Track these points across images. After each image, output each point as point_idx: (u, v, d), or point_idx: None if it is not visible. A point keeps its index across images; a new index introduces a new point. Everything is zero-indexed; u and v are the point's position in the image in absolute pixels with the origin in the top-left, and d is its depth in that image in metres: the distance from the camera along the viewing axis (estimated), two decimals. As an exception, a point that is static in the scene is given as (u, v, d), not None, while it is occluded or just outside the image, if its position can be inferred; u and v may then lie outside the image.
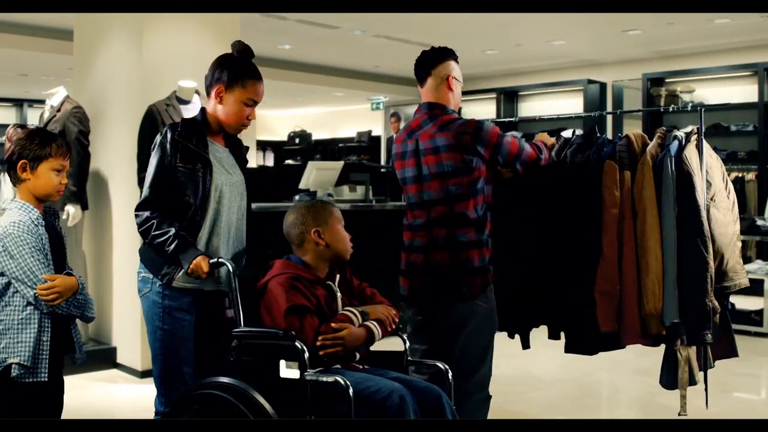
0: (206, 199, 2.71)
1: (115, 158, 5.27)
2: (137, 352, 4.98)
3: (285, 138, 16.01)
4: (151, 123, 4.76)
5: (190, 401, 2.58)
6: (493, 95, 11.32)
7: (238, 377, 2.52)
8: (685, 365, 3.46)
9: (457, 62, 3.21)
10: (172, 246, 2.62)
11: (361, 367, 2.72)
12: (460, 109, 4.02)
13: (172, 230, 2.63)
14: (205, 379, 2.60)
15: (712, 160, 3.53)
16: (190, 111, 4.70)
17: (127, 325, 5.10)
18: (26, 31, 8.56)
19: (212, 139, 2.81)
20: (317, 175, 5.96)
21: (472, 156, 3.01)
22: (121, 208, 5.22)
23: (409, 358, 2.89)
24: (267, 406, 2.38)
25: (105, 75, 5.45)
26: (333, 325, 2.60)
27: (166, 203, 2.69)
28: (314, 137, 15.79)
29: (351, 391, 2.36)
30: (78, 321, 2.72)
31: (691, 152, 3.40)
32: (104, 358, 5.19)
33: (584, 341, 3.50)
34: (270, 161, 16.04)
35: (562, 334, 3.57)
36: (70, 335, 2.69)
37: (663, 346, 3.51)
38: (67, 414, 2.73)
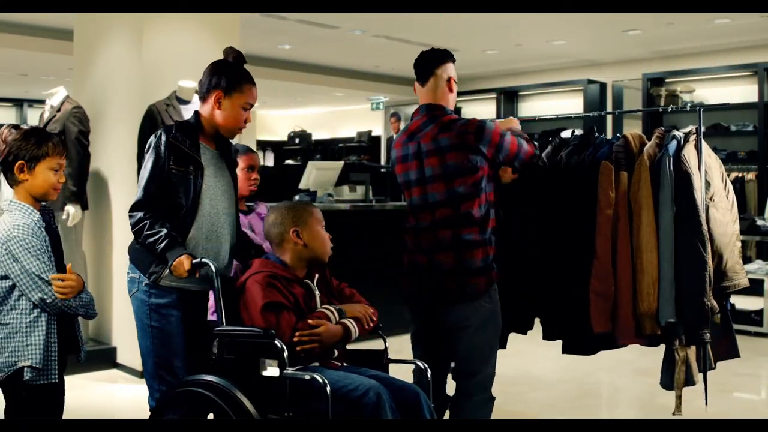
0: (197, 201, 2.78)
1: (115, 158, 5.27)
2: (137, 352, 4.93)
3: (285, 138, 16.02)
4: (151, 123, 4.76)
5: (176, 397, 2.64)
6: (493, 95, 11.32)
7: (222, 375, 2.56)
8: (683, 365, 3.46)
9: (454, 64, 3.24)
10: (162, 245, 2.68)
11: (339, 364, 2.76)
12: (459, 109, 4.02)
13: (164, 230, 2.69)
14: (191, 377, 2.67)
15: (711, 160, 3.53)
16: (190, 111, 4.65)
17: (127, 325, 5.09)
18: (26, 31, 8.56)
19: (204, 142, 2.87)
20: (317, 175, 5.97)
21: (476, 155, 3.02)
22: (121, 208, 5.22)
23: (388, 356, 2.92)
24: (249, 405, 2.44)
25: (105, 75, 5.46)
26: (310, 321, 2.64)
27: (159, 204, 2.74)
28: (314, 137, 15.80)
29: (328, 389, 2.40)
30: (80, 319, 2.72)
31: (689, 152, 3.40)
32: (104, 358, 5.20)
33: (581, 341, 3.51)
34: (270, 161, 16.04)
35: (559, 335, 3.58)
36: (73, 335, 2.70)
37: (663, 347, 3.52)
38: (67, 414, 2.74)
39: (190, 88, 4.93)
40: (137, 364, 4.99)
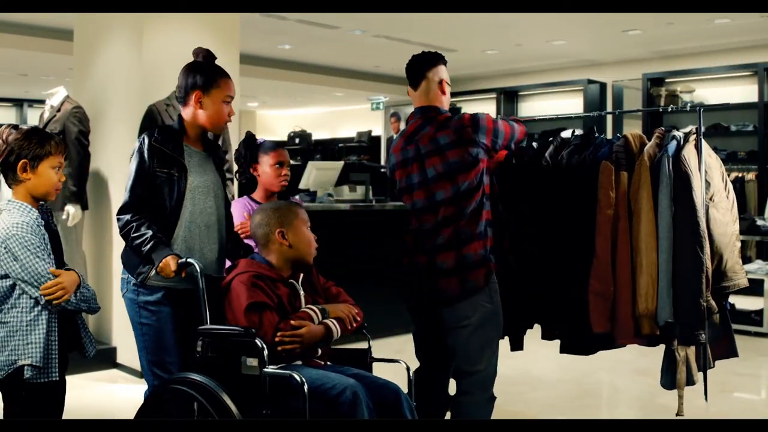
0: (181, 201, 2.83)
1: (115, 158, 5.27)
2: (137, 352, 4.96)
3: (285, 138, 15.99)
4: (151, 123, 4.76)
5: (164, 394, 2.69)
6: (493, 95, 11.32)
7: (205, 373, 2.60)
8: (683, 365, 3.46)
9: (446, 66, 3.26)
10: (148, 246, 2.73)
11: (323, 363, 2.77)
12: (459, 109, 4.03)
13: (149, 232, 2.74)
14: (178, 374, 2.73)
15: (712, 160, 3.53)
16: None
17: (127, 325, 5.07)
18: (26, 31, 8.56)
19: (189, 144, 2.92)
20: (317, 175, 5.97)
21: (475, 147, 3.04)
22: (121, 208, 5.22)
23: (372, 355, 2.93)
24: (232, 405, 2.46)
25: (105, 75, 5.46)
26: (292, 322, 2.66)
27: (145, 206, 2.80)
28: (314, 137, 15.78)
29: (306, 387, 2.42)
30: (84, 316, 2.74)
31: (689, 152, 3.40)
32: (104, 358, 5.20)
33: (580, 341, 3.51)
34: (270, 161, 15.99)
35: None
36: (75, 332, 2.71)
37: (663, 346, 3.52)
38: (67, 414, 2.74)
39: (190, 88, 4.93)
40: (137, 364, 4.96)
